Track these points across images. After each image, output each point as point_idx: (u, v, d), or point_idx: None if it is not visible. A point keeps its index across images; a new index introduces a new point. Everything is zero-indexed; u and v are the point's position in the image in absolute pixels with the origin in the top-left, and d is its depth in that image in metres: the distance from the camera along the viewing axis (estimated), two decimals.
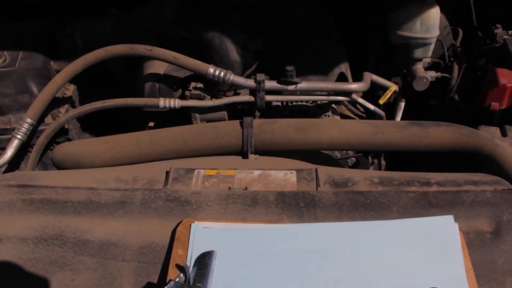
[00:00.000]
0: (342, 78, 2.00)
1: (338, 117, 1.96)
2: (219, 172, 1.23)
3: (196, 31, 1.75)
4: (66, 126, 1.84)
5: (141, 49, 1.70)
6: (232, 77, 1.66)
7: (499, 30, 2.01)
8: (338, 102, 1.92)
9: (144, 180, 1.23)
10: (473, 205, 1.09)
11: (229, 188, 1.16)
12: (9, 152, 1.62)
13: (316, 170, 1.21)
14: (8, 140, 1.67)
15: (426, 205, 1.09)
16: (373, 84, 1.98)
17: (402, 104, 2.09)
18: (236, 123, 1.44)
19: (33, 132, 1.73)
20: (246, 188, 1.15)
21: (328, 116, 1.84)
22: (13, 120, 1.79)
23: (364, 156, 2.00)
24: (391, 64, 2.22)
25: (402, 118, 2.21)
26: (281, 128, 1.41)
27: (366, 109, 1.99)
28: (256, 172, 1.22)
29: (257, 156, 1.44)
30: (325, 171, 1.23)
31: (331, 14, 2.21)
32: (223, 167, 1.28)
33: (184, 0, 1.80)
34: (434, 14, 1.95)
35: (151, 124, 2.03)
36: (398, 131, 1.40)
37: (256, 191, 1.13)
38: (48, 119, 1.84)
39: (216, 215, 1.09)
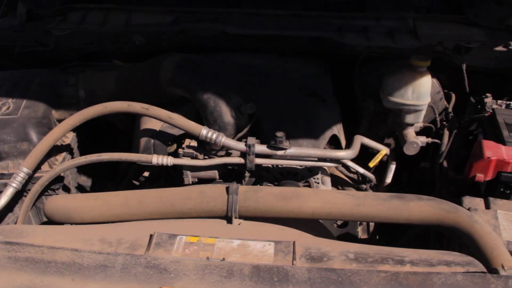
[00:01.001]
0: (334, 140, 2.05)
1: (328, 178, 1.99)
2: (201, 239, 1.27)
3: (192, 92, 1.82)
4: (62, 174, 1.89)
5: (138, 107, 1.77)
6: (224, 140, 1.72)
7: (489, 99, 2.06)
8: None
9: (127, 243, 1.27)
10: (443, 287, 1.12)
11: (208, 258, 1.20)
12: (3, 200, 1.68)
13: (294, 243, 1.25)
14: (4, 185, 1.73)
15: (397, 286, 1.11)
16: (364, 147, 2.03)
17: (393, 167, 2.14)
18: (222, 188, 1.48)
19: (29, 180, 1.78)
20: (223, 259, 1.19)
21: (317, 178, 1.88)
22: (11, 166, 1.84)
23: None
24: (385, 126, 2.27)
25: (393, 178, 2.26)
26: (265, 196, 1.46)
27: (358, 171, 2.03)
28: (236, 242, 1.26)
29: (241, 221, 1.48)
30: (303, 243, 1.26)
31: (328, 76, 2.27)
32: (207, 231, 1.31)
33: (183, 61, 1.87)
34: (426, 82, 2.01)
35: (146, 174, 2.08)
36: (380, 203, 1.44)
37: (233, 263, 1.16)
38: (45, 166, 1.89)
39: (193, 285, 1.12)
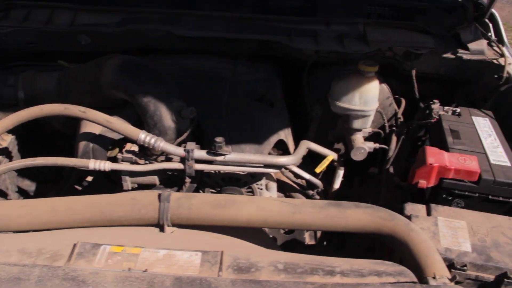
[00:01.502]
0: (282, 145, 2.02)
1: (274, 184, 1.97)
2: (125, 249, 1.22)
3: (133, 95, 1.76)
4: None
5: (75, 110, 1.71)
6: (162, 145, 1.67)
7: (436, 106, 2.06)
8: None
9: (48, 253, 1.21)
10: None
11: (129, 269, 1.15)
12: None
13: (221, 253, 1.21)
14: None
15: None
16: (312, 152, 2.01)
17: (341, 172, 2.12)
18: (154, 196, 1.43)
19: None
20: (146, 270, 1.14)
21: (261, 184, 1.85)
22: None
23: None
24: (334, 131, 2.25)
25: (345, 183, 2.24)
26: (198, 203, 1.41)
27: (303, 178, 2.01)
28: (162, 252, 1.21)
29: (174, 229, 1.43)
30: (232, 253, 1.22)
31: (278, 81, 2.25)
32: (138, 239, 1.26)
33: (124, 64, 1.81)
34: (373, 88, 2.00)
35: (89, 178, 2.02)
36: (316, 211, 1.41)
37: (155, 274, 1.11)
38: None
39: None
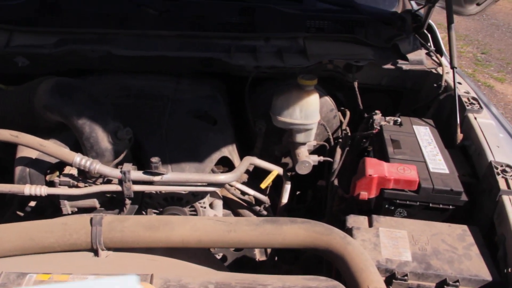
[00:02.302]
0: (227, 162, 2.00)
1: (220, 202, 1.95)
2: (52, 277, 1.17)
3: (68, 117, 1.72)
4: None
5: (6, 134, 1.65)
6: (98, 167, 1.63)
7: (377, 116, 2.08)
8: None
9: None
10: None
11: None
12: None
13: (151, 276, 1.18)
14: None
15: None
16: (257, 168, 2.00)
17: (288, 187, 2.11)
18: (86, 220, 1.39)
19: None
20: None
21: (203, 203, 1.82)
22: None
23: None
24: (280, 146, 2.25)
25: (297, 198, 2.23)
26: (131, 226, 1.38)
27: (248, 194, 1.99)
28: (90, 278, 1.17)
29: (109, 253, 1.39)
30: (163, 275, 1.19)
31: (222, 97, 2.24)
32: (69, 265, 1.23)
33: (58, 86, 1.77)
34: (313, 101, 2.00)
35: (32, 204, 1.95)
36: (252, 229, 1.39)
37: None
38: None
39: None
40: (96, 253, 1.38)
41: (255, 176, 2.12)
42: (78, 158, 1.62)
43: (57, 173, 1.87)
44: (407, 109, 2.35)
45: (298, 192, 2.48)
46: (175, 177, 1.67)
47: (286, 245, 1.40)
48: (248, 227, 1.39)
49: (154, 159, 1.63)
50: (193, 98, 2.16)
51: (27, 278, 1.17)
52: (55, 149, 1.65)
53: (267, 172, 2.04)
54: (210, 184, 1.73)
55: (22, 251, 1.38)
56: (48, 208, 1.93)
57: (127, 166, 1.64)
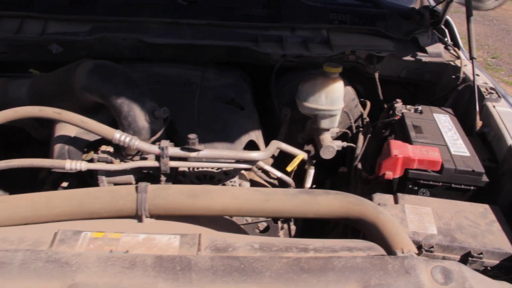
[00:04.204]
0: (252, 146, 2.08)
1: (247, 184, 2.02)
2: (106, 235, 1.25)
3: (106, 97, 1.80)
4: None
5: (50, 112, 1.73)
6: (137, 143, 1.71)
7: (398, 105, 2.15)
8: (246, 169, 1.99)
9: (29, 241, 1.23)
10: (343, 270, 1.15)
11: (111, 251, 1.18)
12: None
13: (199, 235, 1.25)
14: None
15: (298, 270, 1.14)
16: (283, 153, 2.08)
17: (312, 172, 2.18)
18: (131, 188, 1.47)
19: None
20: (127, 251, 1.18)
21: (234, 182, 1.90)
22: None
23: (274, 221, 2.06)
24: (303, 133, 2.33)
25: (316, 186, 2.31)
26: (174, 194, 1.45)
27: (275, 176, 2.07)
28: (141, 236, 1.25)
29: (152, 220, 1.46)
30: (209, 236, 1.27)
31: (247, 86, 2.32)
32: (116, 228, 1.30)
33: (96, 67, 1.85)
34: (338, 88, 2.08)
35: (65, 184, 2.03)
36: (288, 199, 1.46)
37: (136, 254, 1.15)
38: None
39: (95, 277, 1.10)
40: (140, 219, 1.45)
41: (276, 163, 2.20)
42: (118, 134, 1.70)
43: (92, 153, 1.95)
44: (424, 100, 2.42)
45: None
46: (210, 153, 1.74)
47: (320, 214, 1.47)
48: (284, 196, 1.47)
49: (192, 136, 1.70)
50: (220, 85, 2.24)
51: (82, 235, 1.25)
52: (96, 125, 1.72)
53: (288, 160, 2.11)
54: (243, 161, 1.80)
55: (71, 216, 1.45)
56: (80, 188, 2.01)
57: (165, 143, 1.72)
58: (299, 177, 2.25)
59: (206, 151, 1.74)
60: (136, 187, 1.45)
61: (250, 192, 1.48)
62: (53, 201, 1.46)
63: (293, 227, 2.18)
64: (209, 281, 1.10)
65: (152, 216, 1.47)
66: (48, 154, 1.93)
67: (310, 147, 2.41)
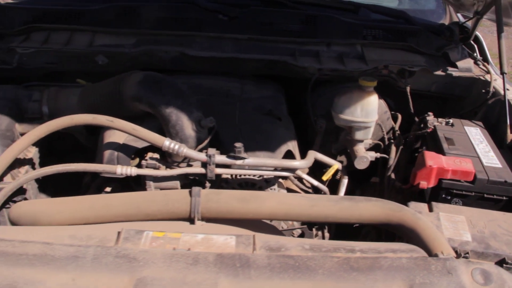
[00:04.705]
0: (289, 155, 2.17)
1: (284, 191, 2.11)
2: (166, 234, 1.35)
3: (155, 106, 1.91)
4: (24, 186, 1.92)
5: (103, 119, 1.84)
6: (186, 150, 1.81)
7: (430, 118, 2.24)
8: (284, 177, 2.08)
9: (96, 238, 1.34)
10: (390, 269, 1.23)
11: (174, 248, 1.28)
12: None
13: (254, 236, 1.34)
14: None
15: (348, 269, 1.22)
16: (319, 162, 2.16)
17: (345, 181, 2.27)
18: (185, 192, 1.57)
19: None
20: (189, 249, 1.27)
21: (274, 189, 1.99)
22: None
23: (309, 228, 2.14)
24: (336, 144, 2.41)
25: (346, 194, 2.38)
26: (225, 198, 1.55)
27: (311, 185, 2.15)
28: (200, 236, 1.34)
29: (203, 222, 1.56)
30: (262, 237, 1.36)
31: (282, 98, 2.42)
32: (171, 231, 1.39)
33: (146, 78, 1.97)
34: (373, 101, 2.17)
35: (108, 189, 2.13)
36: (332, 204, 1.55)
37: (198, 252, 1.25)
38: (8, 178, 1.91)
39: (161, 272, 1.20)
40: (192, 222, 1.55)
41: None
42: (167, 142, 1.80)
43: (137, 160, 2.06)
44: (452, 114, 2.49)
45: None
46: (255, 161, 1.84)
47: (362, 220, 1.56)
48: (328, 202, 1.56)
49: (238, 144, 1.80)
50: (258, 97, 2.34)
51: (144, 234, 1.35)
52: (147, 133, 1.83)
53: (317, 170, 2.20)
54: (285, 169, 1.89)
55: (127, 217, 1.55)
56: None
57: (212, 150, 1.82)
58: (328, 187, 2.33)
59: (251, 159, 1.83)
60: (190, 191, 1.55)
61: (296, 197, 1.57)
62: (111, 203, 1.56)
63: (326, 235, 2.27)
64: (266, 277, 1.19)
65: (203, 219, 1.56)
66: (92, 160, 2.04)
67: (342, 158, 2.50)
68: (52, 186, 2.32)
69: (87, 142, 2.26)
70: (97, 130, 2.14)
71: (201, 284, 1.16)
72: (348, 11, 2.69)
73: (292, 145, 2.17)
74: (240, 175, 1.93)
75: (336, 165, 2.17)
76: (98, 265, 1.21)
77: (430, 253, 1.39)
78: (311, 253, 1.30)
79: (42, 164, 2.19)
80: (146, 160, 1.92)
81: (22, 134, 2.05)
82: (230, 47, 2.39)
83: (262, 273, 1.20)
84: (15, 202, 1.91)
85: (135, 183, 2.01)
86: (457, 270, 1.24)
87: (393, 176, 2.18)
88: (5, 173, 1.86)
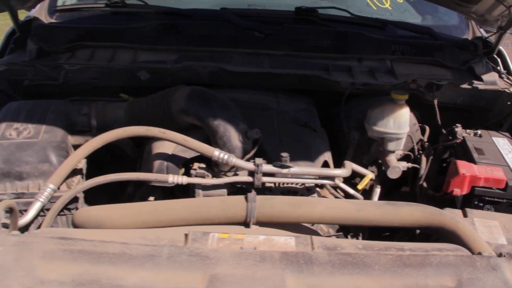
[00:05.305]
0: (325, 165, 2.29)
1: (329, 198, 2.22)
2: (231, 235, 1.47)
3: (203, 119, 2.03)
4: (77, 195, 2.03)
5: (156, 131, 1.96)
6: (234, 160, 1.93)
7: (459, 129, 2.36)
8: (321, 186, 2.19)
9: (166, 239, 1.45)
10: (439, 265, 1.34)
11: (241, 248, 1.40)
12: (31, 213, 1.77)
13: (311, 237, 1.46)
14: (24, 204, 1.84)
15: (402, 265, 1.33)
16: (352, 172, 2.27)
17: (378, 190, 2.38)
18: (241, 198, 1.69)
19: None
20: (255, 248, 1.39)
21: (314, 197, 2.10)
22: (31, 186, 1.94)
23: (344, 235, 2.25)
24: (368, 155, 2.53)
25: None
26: (279, 203, 1.67)
27: (346, 193, 2.26)
28: (262, 237, 1.46)
29: (257, 226, 1.68)
30: (318, 238, 1.48)
31: (315, 111, 2.55)
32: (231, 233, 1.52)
33: (193, 92, 2.09)
34: (405, 113, 2.29)
35: (151, 198, 2.25)
36: (376, 209, 1.67)
37: (264, 250, 1.36)
38: (63, 186, 2.02)
39: (232, 268, 1.31)
40: (247, 226, 1.67)
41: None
42: (217, 152, 1.92)
43: (183, 170, 2.18)
44: (477, 126, 2.60)
45: None
46: (300, 170, 1.96)
47: (404, 223, 1.68)
48: (373, 207, 1.68)
49: (284, 154, 1.92)
50: (293, 109, 2.47)
51: (210, 235, 1.47)
52: (197, 144, 1.95)
53: (345, 180, 2.30)
54: (327, 178, 2.01)
55: (187, 222, 1.68)
56: None
57: (259, 160, 1.94)
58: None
59: (297, 168, 1.95)
60: (245, 197, 1.67)
61: (343, 202, 1.69)
62: (172, 208, 1.68)
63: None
64: (328, 273, 1.31)
65: (257, 223, 1.68)
66: (130, 170, 2.13)
67: (373, 169, 2.61)
68: (94, 199, 2.44)
69: (132, 154, 2.38)
70: (143, 142, 2.27)
71: (270, 280, 1.28)
72: (375, 28, 2.81)
73: (328, 156, 2.28)
74: (283, 184, 2.05)
75: (370, 174, 2.29)
76: (173, 263, 1.32)
77: (472, 252, 1.50)
78: (365, 251, 1.41)
79: (87, 175, 2.31)
80: (195, 169, 2.03)
81: (73, 146, 2.18)
82: (266, 63, 2.52)
83: (324, 269, 1.32)
84: (69, 209, 2.02)
85: (181, 192, 2.12)
86: (501, 267, 1.35)
87: (425, 184, 2.29)
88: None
